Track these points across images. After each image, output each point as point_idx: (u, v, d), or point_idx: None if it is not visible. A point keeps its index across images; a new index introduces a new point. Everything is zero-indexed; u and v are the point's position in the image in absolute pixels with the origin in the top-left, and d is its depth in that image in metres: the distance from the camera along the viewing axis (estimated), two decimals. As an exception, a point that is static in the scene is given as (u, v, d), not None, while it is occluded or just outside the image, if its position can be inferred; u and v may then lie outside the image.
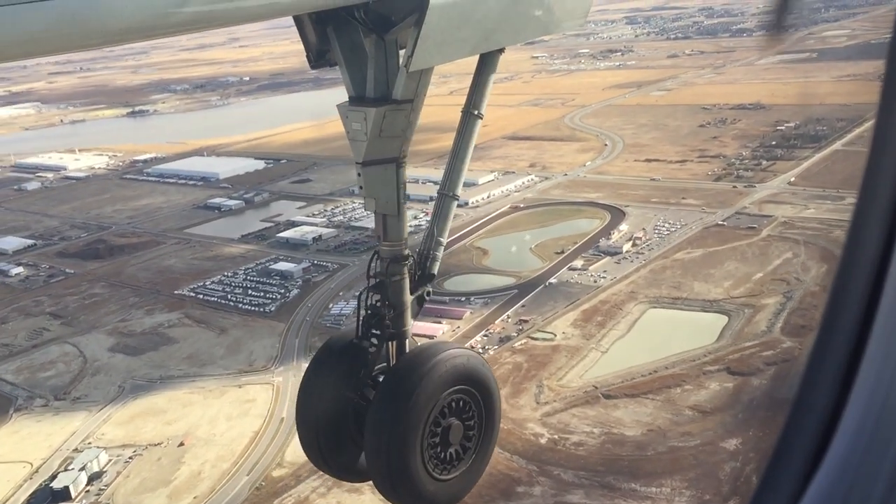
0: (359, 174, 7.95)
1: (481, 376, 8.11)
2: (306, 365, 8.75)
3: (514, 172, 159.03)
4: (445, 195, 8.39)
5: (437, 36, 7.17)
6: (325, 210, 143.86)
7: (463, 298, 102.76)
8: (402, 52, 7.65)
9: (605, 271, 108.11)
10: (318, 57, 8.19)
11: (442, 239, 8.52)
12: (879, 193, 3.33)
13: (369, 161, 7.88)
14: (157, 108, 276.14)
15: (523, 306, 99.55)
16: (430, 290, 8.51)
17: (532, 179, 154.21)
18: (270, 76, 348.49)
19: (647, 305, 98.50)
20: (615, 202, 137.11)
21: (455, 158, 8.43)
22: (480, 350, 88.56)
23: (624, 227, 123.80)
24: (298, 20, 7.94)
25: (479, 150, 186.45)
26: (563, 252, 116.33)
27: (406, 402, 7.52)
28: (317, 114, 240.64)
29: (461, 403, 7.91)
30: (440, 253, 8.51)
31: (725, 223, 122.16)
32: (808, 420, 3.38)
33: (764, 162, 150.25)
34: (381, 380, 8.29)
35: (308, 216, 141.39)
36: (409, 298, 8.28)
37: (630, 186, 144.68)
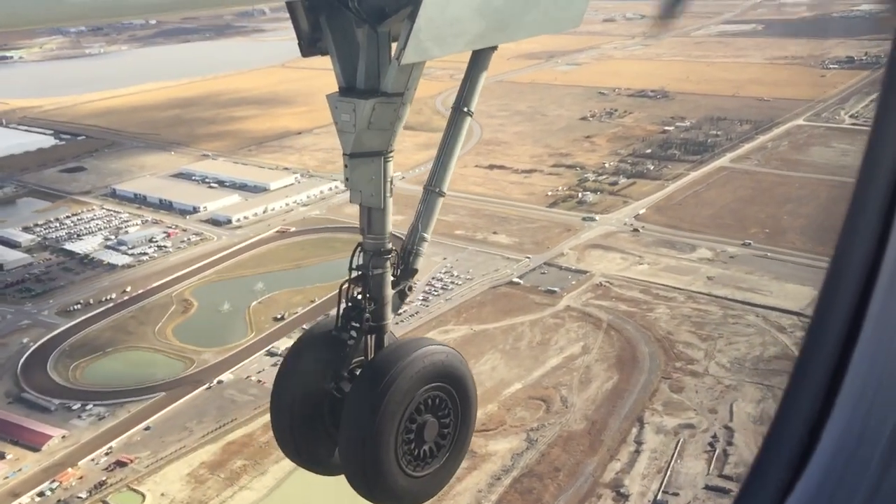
0: (346, 165, 7.45)
1: (459, 374, 7.56)
2: None
3: (319, 176, 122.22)
4: (431, 191, 7.74)
5: (431, 30, 6.56)
6: (54, 220, 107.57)
7: (76, 405, 67.63)
8: (394, 44, 6.98)
9: (312, 362, 72.79)
10: (309, 45, 7.42)
11: (426, 235, 7.80)
12: (871, 199, 3.12)
13: (356, 153, 7.34)
14: (23, 56, 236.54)
15: (147, 429, 64.55)
16: (412, 284, 7.79)
17: (336, 187, 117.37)
18: (181, 19, 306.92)
19: (331, 435, 63.47)
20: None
21: (442, 154, 7.73)
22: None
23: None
24: (291, 7, 7.36)
25: (309, 138, 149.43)
26: (283, 318, 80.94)
27: (382, 396, 6.97)
28: (183, 73, 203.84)
29: (437, 401, 7.35)
30: (423, 248, 7.81)
31: (522, 280, 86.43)
32: (793, 422, 3.23)
33: (623, 180, 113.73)
34: (358, 373, 7.67)
35: (28, 226, 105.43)
36: (390, 292, 7.62)
37: (444, 207, 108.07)
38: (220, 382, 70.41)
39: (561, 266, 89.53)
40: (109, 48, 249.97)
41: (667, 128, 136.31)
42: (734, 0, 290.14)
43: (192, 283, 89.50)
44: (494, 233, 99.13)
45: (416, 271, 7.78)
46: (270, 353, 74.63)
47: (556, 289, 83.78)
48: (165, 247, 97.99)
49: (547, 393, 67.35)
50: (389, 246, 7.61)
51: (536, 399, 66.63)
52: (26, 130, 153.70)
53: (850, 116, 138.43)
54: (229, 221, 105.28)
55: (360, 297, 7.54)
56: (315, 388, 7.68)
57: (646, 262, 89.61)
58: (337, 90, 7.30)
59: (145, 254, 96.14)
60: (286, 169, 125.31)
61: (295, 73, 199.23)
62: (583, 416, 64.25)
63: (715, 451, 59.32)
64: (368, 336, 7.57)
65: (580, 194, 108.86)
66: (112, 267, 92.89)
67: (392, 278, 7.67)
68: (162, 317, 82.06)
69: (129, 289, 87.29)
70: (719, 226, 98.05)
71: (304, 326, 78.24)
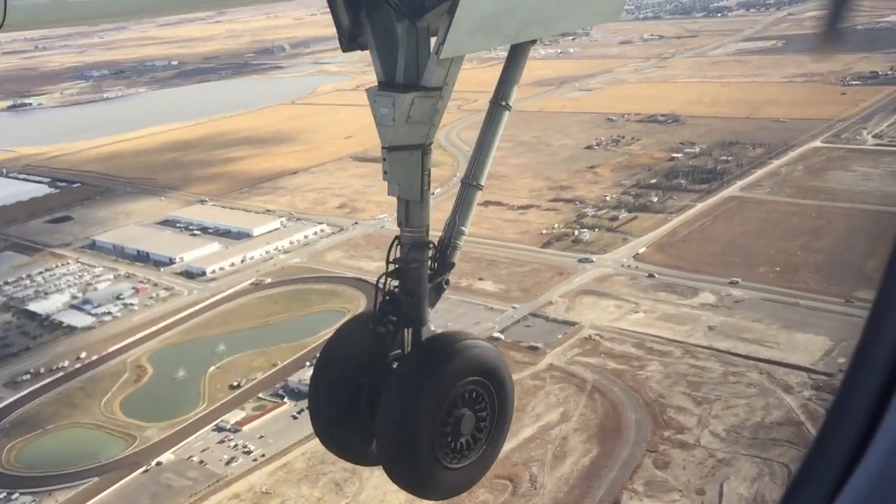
0: (384, 159, 7.25)
1: (496, 369, 7.43)
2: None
3: (306, 219, 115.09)
4: (469, 184, 7.68)
5: (470, 24, 6.55)
6: (26, 277, 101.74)
7: (2, 494, 60.65)
8: (433, 39, 6.96)
9: (261, 436, 65.08)
10: (349, 40, 7.40)
11: (464, 228, 7.71)
12: None
13: (395, 147, 7.16)
14: (42, 102, 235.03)
15: (66, 525, 57.19)
16: (449, 278, 7.71)
17: (321, 231, 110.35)
18: (202, 59, 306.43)
19: (270, 528, 55.63)
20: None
21: (480, 149, 7.69)
22: None
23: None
24: (332, 2, 7.26)
25: (304, 177, 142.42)
26: (239, 386, 73.30)
27: (419, 390, 6.92)
28: (192, 114, 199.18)
29: (475, 395, 7.21)
30: (461, 242, 7.73)
31: (503, 335, 77.74)
32: (846, 420, 3.04)
33: (623, 214, 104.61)
34: (395, 366, 7.55)
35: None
36: (427, 286, 7.52)
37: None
38: (158, 464, 62.82)
39: (548, 317, 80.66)
40: (128, 91, 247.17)
41: (675, 154, 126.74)
42: (756, 16, 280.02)
43: (151, 346, 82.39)
44: (480, 279, 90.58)
45: (453, 265, 7.64)
46: (218, 429, 66.98)
47: (539, 344, 74.96)
48: (132, 304, 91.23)
49: (515, 471, 58.45)
50: (427, 239, 7.46)
51: (502, 478, 57.70)
52: (24, 179, 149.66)
53: (874, 136, 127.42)
54: (203, 274, 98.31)
55: (397, 290, 7.37)
56: (352, 381, 7.51)
57: (642, 310, 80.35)
58: (376, 84, 7.14)
59: (109, 313, 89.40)
60: (272, 212, 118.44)
61: (303, 110, 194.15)
62: (552, 500, 55.29)
63: (701, 545, 50.04)
64: (405, 329, 7.40)
65: (576, 232, 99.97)
66: (71, 329, 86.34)
67: (429, 272, 7.49)
68: (112, 387, 74.95)
69: (83, 355, 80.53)
70: (725, 264, 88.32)
71: (261, 395, 70.98)
